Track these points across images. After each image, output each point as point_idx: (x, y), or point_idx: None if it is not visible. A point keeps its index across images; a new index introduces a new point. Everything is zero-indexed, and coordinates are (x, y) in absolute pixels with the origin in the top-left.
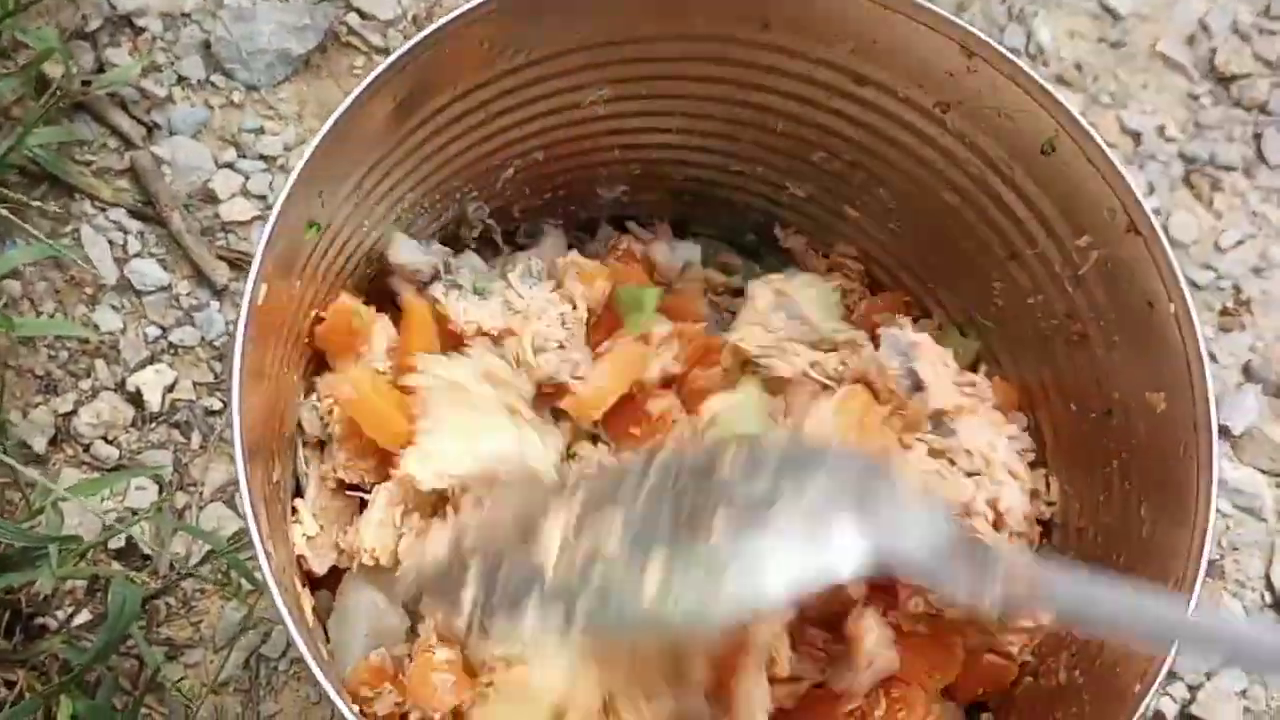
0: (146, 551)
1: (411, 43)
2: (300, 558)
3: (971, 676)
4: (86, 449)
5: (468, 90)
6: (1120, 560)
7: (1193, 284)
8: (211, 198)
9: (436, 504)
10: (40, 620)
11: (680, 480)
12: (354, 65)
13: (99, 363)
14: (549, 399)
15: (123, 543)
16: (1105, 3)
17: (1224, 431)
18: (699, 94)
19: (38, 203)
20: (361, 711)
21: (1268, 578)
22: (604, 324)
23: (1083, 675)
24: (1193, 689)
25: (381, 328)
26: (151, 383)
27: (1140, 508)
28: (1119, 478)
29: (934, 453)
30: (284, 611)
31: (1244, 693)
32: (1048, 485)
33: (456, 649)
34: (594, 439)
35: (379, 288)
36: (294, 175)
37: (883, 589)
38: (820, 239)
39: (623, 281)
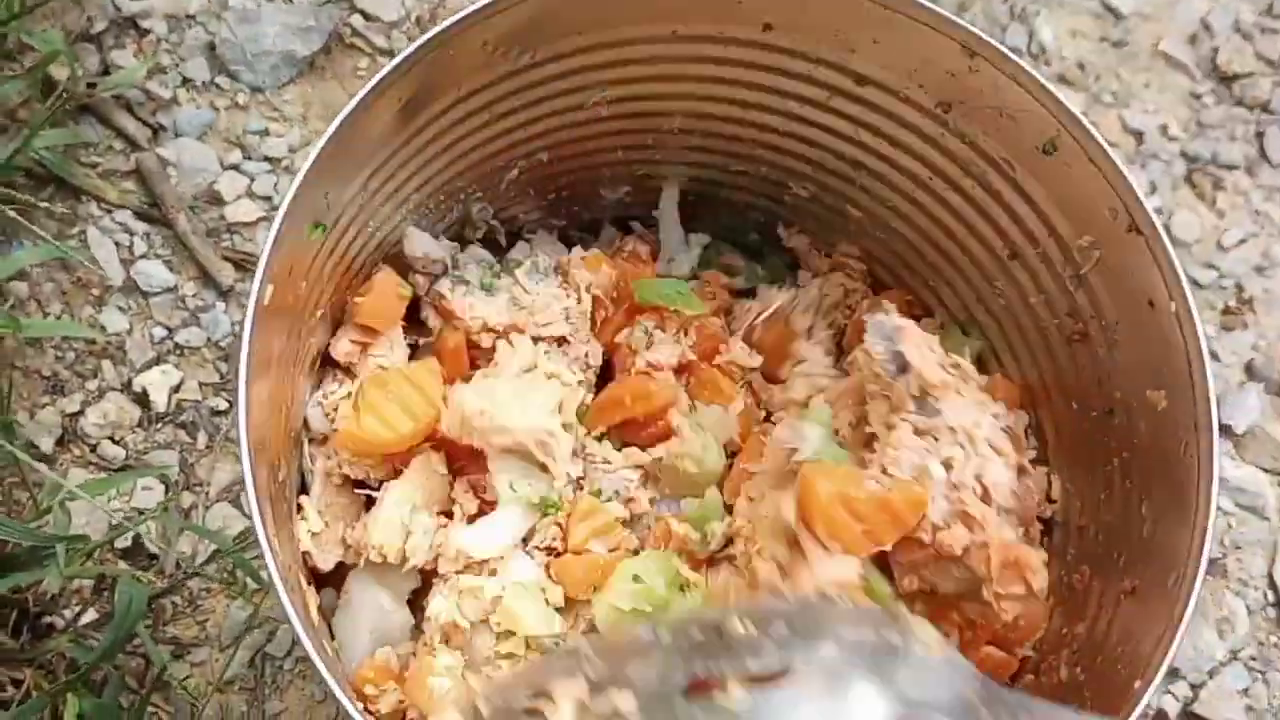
0: (153, 551)
1: (415, 45)
2: (305, 554)
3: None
4: (93, 449)
5: (471, 92)
6: (1121, 559)
7: (1195, 283)
8: (217, 199)
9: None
10: (48, 619)
11: (692, 643)
12: (358, 67)
13: (105, 363)
14: None
15: (129, 542)
16: (1107, 2)
17: (1226, 430)
18: (700, 94)
19: (44, 204)
20: (366, 709)
21: (1270, 577)
22: (614, 320)
23: (1084, 672)
24: (1195, 687)
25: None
26: (158, 383)
27: (1141, 506)
28: (1120, 476)
29: (919, 432)
30: (289, 609)
31: (1246, 691)
32: (1049, 484)
33: (458, 654)
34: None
35: None
36: (299, 177)
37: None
38: (823, 238)
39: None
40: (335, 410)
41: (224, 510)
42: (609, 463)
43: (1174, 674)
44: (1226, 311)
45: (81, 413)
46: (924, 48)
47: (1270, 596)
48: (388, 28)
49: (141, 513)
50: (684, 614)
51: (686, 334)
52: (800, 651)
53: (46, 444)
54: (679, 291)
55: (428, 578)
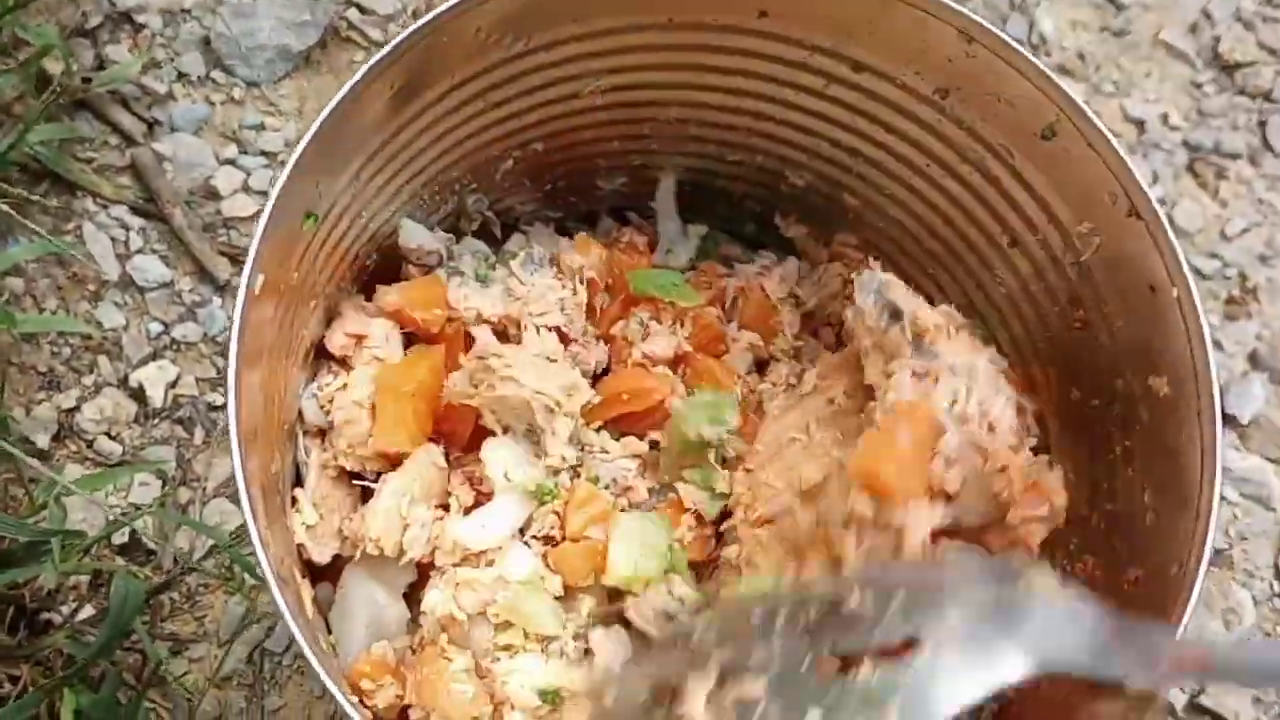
0: (150, 547)
1: (407, 32)
2: (300, 547)
3: None
4: (89, 445)
5: (465, 80)
6: (1124, 549)
7: (1198, 273)
8: (213, 194)
9: None
10: (45, 615)
11: (810, 620)
12: (354, 60)
13: (102, 359)
14: None
15: (126, 538)
16: None
17: (1231, 420)
18: (696, 83)
19: (40, 200)
20: (362, 704)
21: (1276, 567)
22: (610, 312)
23: None
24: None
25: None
26: (154, 378)
27: (1144, 495)
28: (1122, 465)
29: (917, 375)
30: (280, 603)
31: None
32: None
33: (469, 654)
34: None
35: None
36: (289, 166)
37: None
38: (821, 228)
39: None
40: (330, 402)
41: (221, 505)
42: (607, 452)
43: None
44: (1230, 301)
45: (78, 408)
46: (921, 34)
47: (1276, 587)
48: (384, 21)
49: (138, 508)
50: (796, 593)
51: (683, 325)
52: (926, 620)
53: (43, 440)
54: (674, 283)
55: (424, 571)
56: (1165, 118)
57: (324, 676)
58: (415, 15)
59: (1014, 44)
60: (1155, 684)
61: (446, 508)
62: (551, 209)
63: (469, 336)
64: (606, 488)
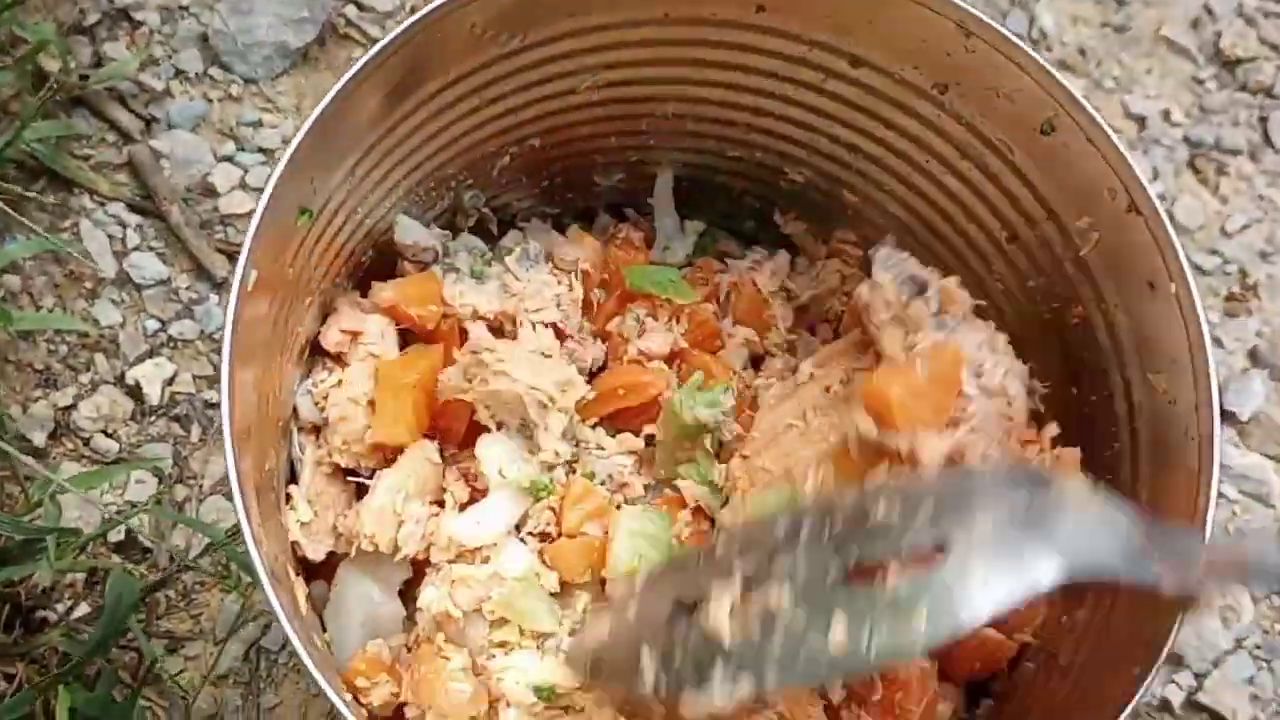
0: (146, 544)
1: (400, 28)
2: (295, 544)
3: (967, 652)
4: (86, 442)
5: (460, 76)
6: None
7: (1198, 269)
8: (210, 191)
9: None
10: (40, 613)
11: (835, 530)
12: (352, 57)
13: (98, 356)
14: None
15: (122, 536)
16: None
17: (1230, 417)
18: (693, 78)
19: (36, 197)
20: (358, 701)
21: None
22: (606, 308)
23: (1085, 658)
24: (1199, 676)
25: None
26: (151, 376)
27: (1143, 491)
28: (1121, 461)
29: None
30: (272, 599)
31: (1251, 680)
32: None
33: (465, 652)
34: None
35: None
36: (283, 161)
37: None
38: (819, 225)
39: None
40: (325, 399)
41: (218, 503)
42: (602, 448)
43: (1178, 663)
44: (1230, 298)
45: (74, 406)
46: (920, 28)
47: (1275, 585)
48: (382, 17)
49: (134, 506)
50: (820, 505)
51: (678, 321)
52: (954, 527)
53: (39, 438)
54: (670, 280)
55: (419, 568)
56: (1166, 114)
57: (316, 674)
58: (413, 11)
59: (1013, 38)
60: (1191, 588)
61: (442, 504)
62: (549, 205)
63: (465, 333)
64: (602, 484)
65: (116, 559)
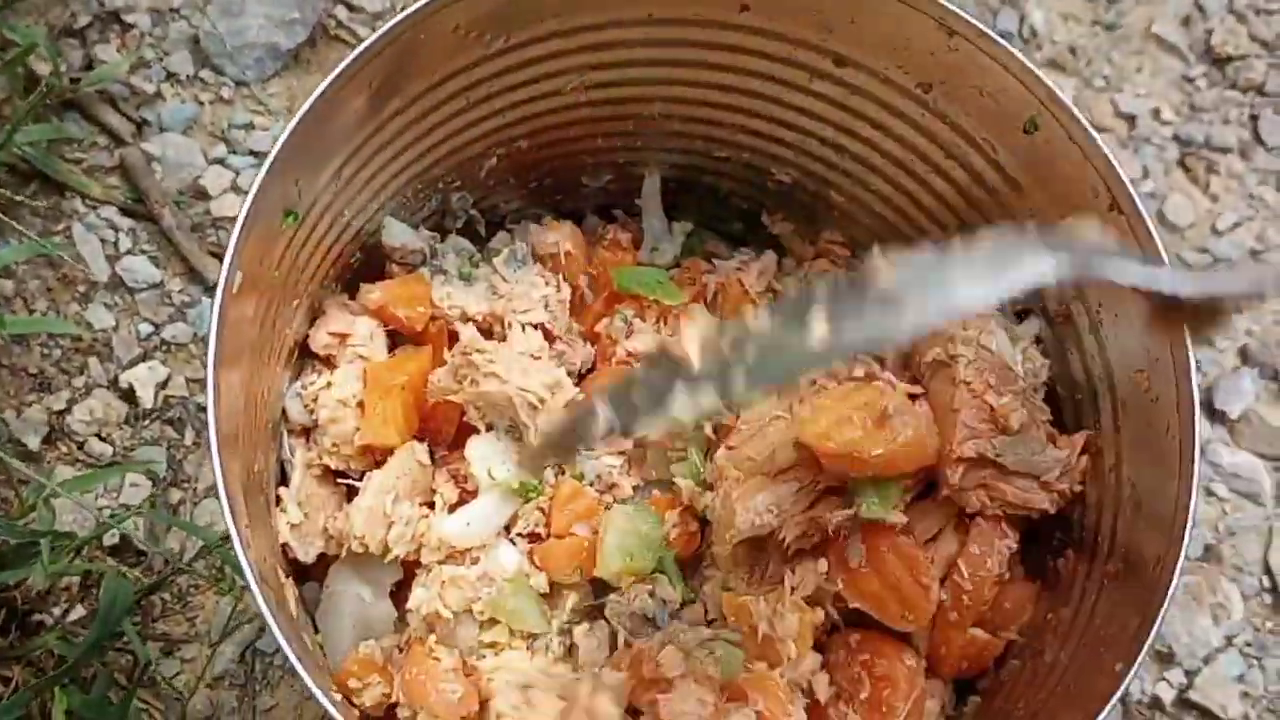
0: (141, 548)
1: (382, 30)
2: (285, 546)
3: (955, 650)
4: (80, 446)
5: (445, 78)
6: (1105, 542)
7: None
8: (202, 194)
9: None
10: (36, 617)
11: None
12: (343, 58)
13: (92, 360)
14: None
15: (117, 539)
16: None
17: (1221, 416)
18: (679, 79)
19: (28, 201)
20: (350, 702)
21: (1265, 562)
22: (594, 309)
23: (1068, 655)
24: (1190, 674)
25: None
26: (144, 379)
27: (1125, 489)
28: (1104, 458)
29: None
30: (260, 601)
31: (1241, 677)
32: None
33: (456, 652)
34: None
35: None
36: (266, 164)
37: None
38: (806, 225)
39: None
40: (314, 401)
41: (212, 506)
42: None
43: (1169, 661)
44: None
45: (68, 410)
46: (903, 27)
47: (1266, 583)
48: (372, 19)
49: (128, 509)
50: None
51: (666, 322)
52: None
53: (33, 441)
54: (658, 280)
55: (410, 569)
56: (1156, 112)
57: (304, 674)
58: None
59: (995, 37)
60: (1212, 289)
61: (431, 505)
62: (537, 207)
63: (453, 335)
64: (591, 484)
65: (111, 562)
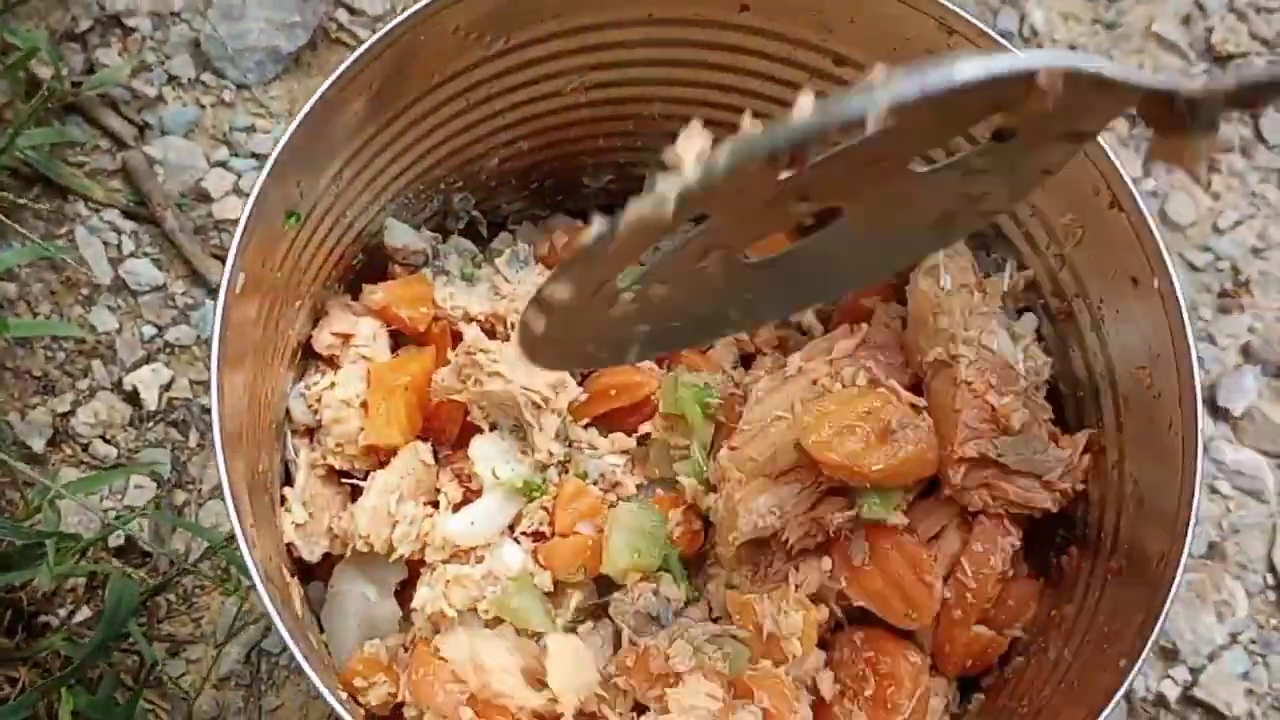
0: (146, 549)
1: (382, 32)
2: (290, 546)
3: (959, 648)
4: (85, 448)
5: (445, 79)
6: (1108, 539)
7: (1191, 266)
8: (204, 196)
9: None
10: (43, 618)
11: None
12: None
13: (96, 363)
14: None
15: (122, 541)
16: None
17: (1224, 414)
18: (679, 78)
19: (31, 204)
20: (355, 701)
21: (1270, 560)
22: None
23: (1072, 652)
24: (1194, 671)
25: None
26: (148, 381)
27: (1128, 486)
28: (1106, 455)
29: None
30: (264, 598)
31: (1246, 674)
32: None
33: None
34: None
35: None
36: (268, 166)
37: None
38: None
39: None
40: (318, 401)
41: (217, 507)
42: (595, 448)
43: (1174, 658)
44: (1223, 294)
45: (72, 412)
46: (901, 26)
47: (1270, 580)
48: (372, 22)
49: (133, 511)
50: None
51: None
52: None
53: (38, 444)
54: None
55: (415, 569)
56: None
57: (311, 673)
58: None
59: (995, 36)
60: (1208, 89)
61: (435, 505)
62: (539, 208)
63: (456, 335)
64: (595, 483)
65: (116, 564)
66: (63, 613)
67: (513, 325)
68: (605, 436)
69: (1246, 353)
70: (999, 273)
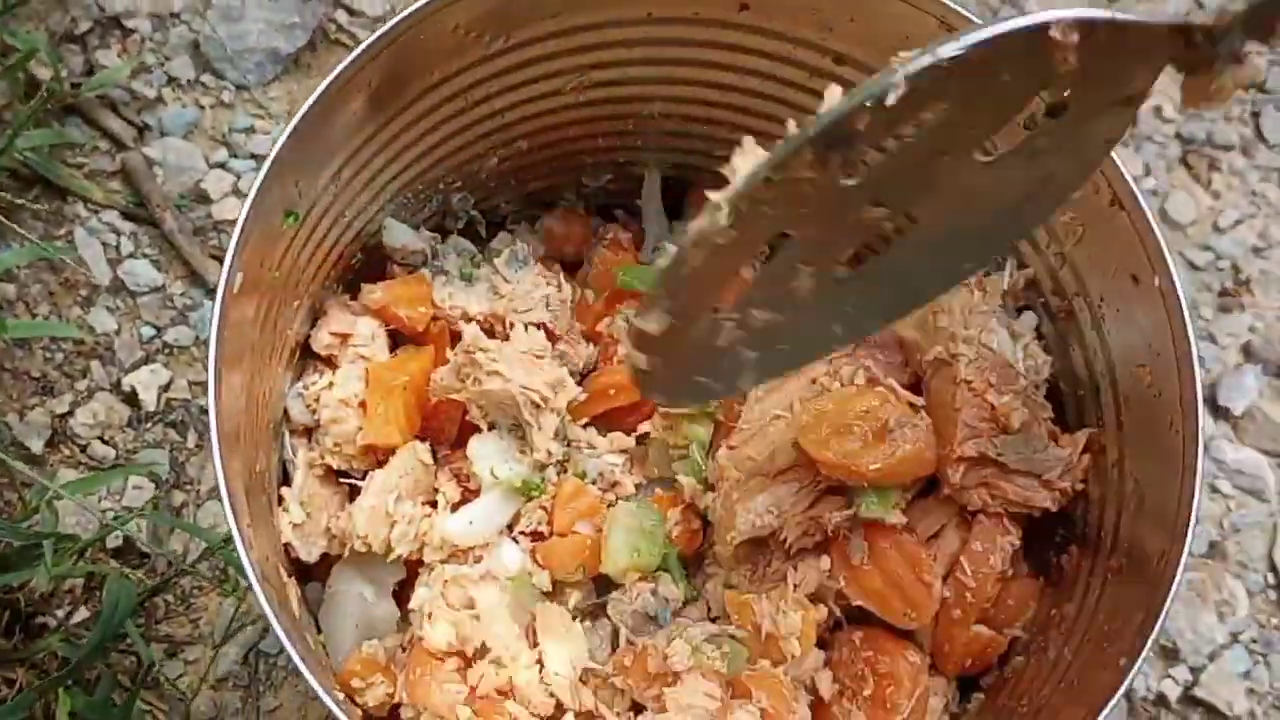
0: (144, 550)
1: (380, 31)
2: (288, 546)
3: (958, 647)
4: (83, 449)
5: (444, 78)
6: (1108, 537)
7: (1191, 265)
8: (204, 198)
9: None
10: (40, 619)
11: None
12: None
13: (94, 364)
14: None
15: (120, 541)
16: None
17: (1224, 413)
18: (678, 78)
19: (30, 205)
20: (353, 702)
21: (1270, 559)
22: (596, 309)
23: (1072, 651)
24: (1195, 670)
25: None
26: (147, 382)
27: (1128, 484)
28: (1106, 454)
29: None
30: (261, 598)
31: (1247, 674)
32: None
33: (459, 657)
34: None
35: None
36: (266, 165)
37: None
38: None
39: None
40: (317, 401)
41: (215, 508)
42: (594, 447)
43: (1174, 658)
44: (1223, 293)
45: (71, 413)
46: (901, 25)
47: (1271, 579)
48: (372, 23)
49: (131, 511)
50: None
51: None
52: None
53: (37, 445)
54: (640, 278)
55: (413, 569)
56: (1158, 110)
57: (306, 673)
58: None
59: None
60: (1220, 15)
61: (434, 504)
62: (538, 207)
63: (455, 335)
64: (594, 483)
65: (114, 564)
66: (60, 613)
67: (511, 325)
68: (604, 436)
69: (1247, 352)
70: (999, 271)
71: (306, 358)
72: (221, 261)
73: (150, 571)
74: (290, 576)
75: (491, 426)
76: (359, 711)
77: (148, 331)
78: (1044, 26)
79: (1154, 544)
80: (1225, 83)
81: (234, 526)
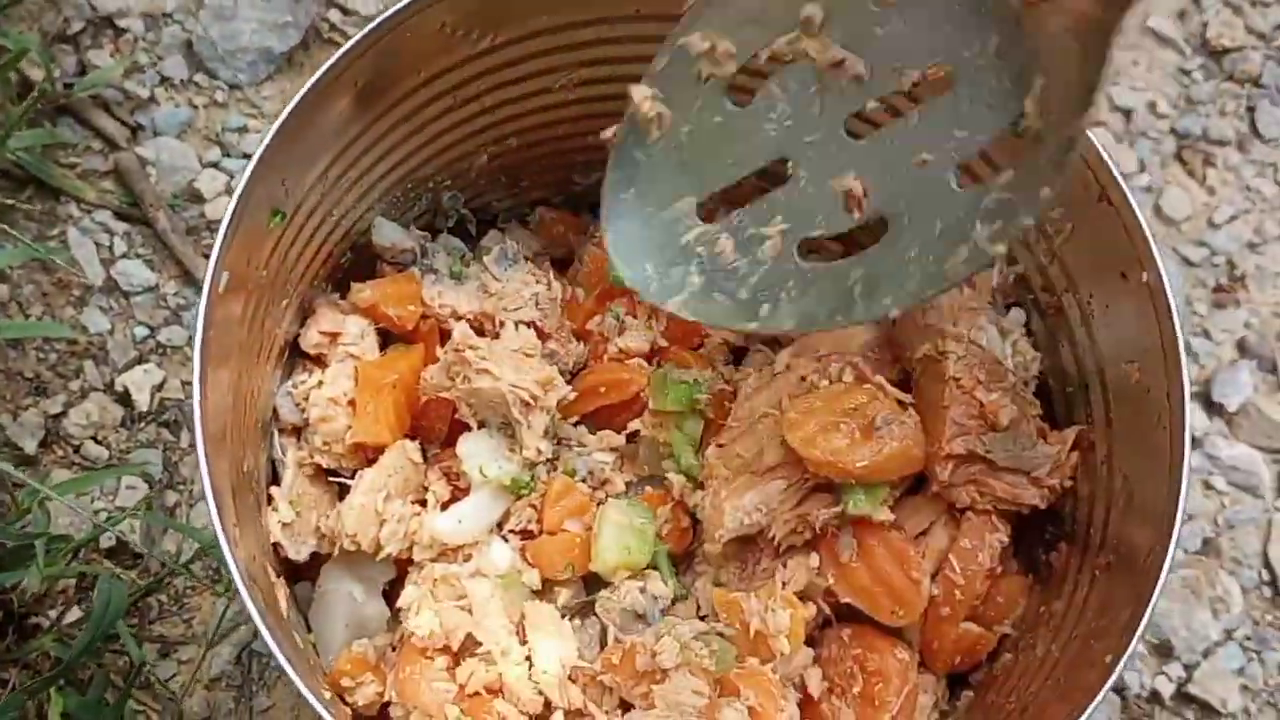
0: (137, 550)
1: (365, 30)
2: (277, 545)
3: (947, 644)
4: (77, 449)
5: (432, 77)
6: (1097, 534)
7: (1186, 261)
8: (197, 197)
9: None
10: (33, 619)
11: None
12: None
13: (88, 364)
14: None
15: (113, 542)
16: None
17: (1219, 409)
18: None
19: (23, 206)
20: (343, 701)
21: (1265, 555)
22: (586, 307)
23: (1059, 648)
24: (1189, 667)
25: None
26: (140, 382)
27: (1117, 481)
28: (1095, 451)
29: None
30: (245, 598)
31: (1241, 670)
32: None
33: (448, 655)
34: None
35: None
36: (251, 164)
37: None
38: None
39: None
40: (306, 400)
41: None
42: (584, 445)
43: (1168, 655)
44: (1218, 289)
45: (64, 414)
46: None
47: (1265, 575)
48: (364, 21)
49: (124, 511)
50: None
51: (658, 319)
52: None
53: (30, 445)
54: None
55: (402, 568)
56: (1153, 105)
57: (291, 673)
58: None
59: None
60: None
61: (423, 503)
62: (528, 206)
63: (445, 333)
64: (584, 481)
65: (107, 564)
66: (53, 614)
67: (501, 323)
68: (594, 434)
69: (1242, 348)
70: (988, 268)
71: (296, 356)
72: None
73: (143, 572)
74: (279, 576)
75: (481, 425)
76: (348, 711)
77: (141, 331)
78: None
79: (1142, 540)
80: None
81: (218, 525)
